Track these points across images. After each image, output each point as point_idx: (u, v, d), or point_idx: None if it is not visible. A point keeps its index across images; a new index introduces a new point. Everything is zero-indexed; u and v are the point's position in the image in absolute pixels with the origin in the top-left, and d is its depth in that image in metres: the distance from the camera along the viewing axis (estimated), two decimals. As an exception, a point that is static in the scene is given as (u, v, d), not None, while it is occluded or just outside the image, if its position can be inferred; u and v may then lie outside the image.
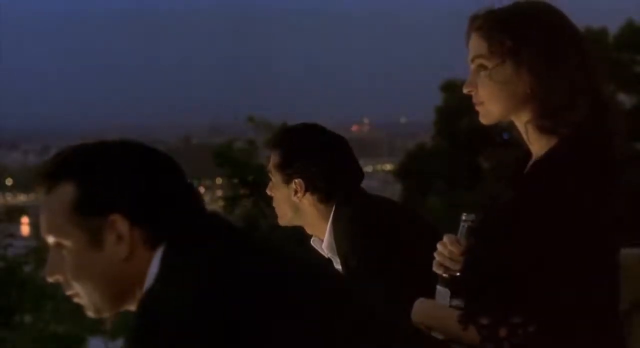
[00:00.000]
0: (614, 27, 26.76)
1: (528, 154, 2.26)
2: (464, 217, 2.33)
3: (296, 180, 2.96)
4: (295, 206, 2.99)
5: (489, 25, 2.21)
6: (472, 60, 2.24)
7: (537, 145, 2.22)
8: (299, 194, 2.96)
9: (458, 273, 2.27)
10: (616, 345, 2.20)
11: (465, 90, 2.26)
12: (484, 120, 2.26)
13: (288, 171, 2.97)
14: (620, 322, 2.22)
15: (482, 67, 2.22)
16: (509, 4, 2.25)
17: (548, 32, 2.18)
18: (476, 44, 2.23)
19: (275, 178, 3.02)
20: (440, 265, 2.32)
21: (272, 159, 3.03)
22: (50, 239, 1.79)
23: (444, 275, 2.31)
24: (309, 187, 2.95)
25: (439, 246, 2.34)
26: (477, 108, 2.26)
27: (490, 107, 2.23)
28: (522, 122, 2.23)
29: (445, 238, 2.34)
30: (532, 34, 2.18)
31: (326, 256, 2.96)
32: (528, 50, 2.17)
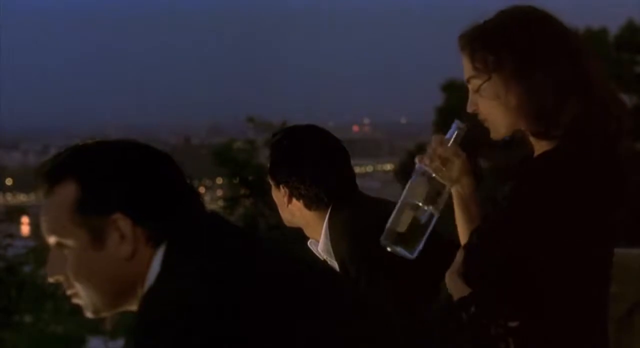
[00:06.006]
0: (614, 27, 26.75)
1: (532, 154, 2.27)
2: (457, 124, 2.34)
3: (282, 187, 3.00)
4: (289, 209, 3.02)
5: (471, 44, 2.24)
6: (467, 81, 2.26)
7: (544, 149, 2.23)
8: (285, 199, 3.00)
9: (434, 175, 2.29)
10: (600, 340, 2.20)
11: (469, 110, 2.28)
12: (493, 135, 2.27)
13: (275, 178, 3.02)
14: (606, 320, 2.23)
15: (475, 86, 2.24)
16: (493, 15, 2.25)
17: (528, 39, 2.18)
18: (465, 65, 2.26)
19: (271, 182, 3.06)
20: (421, 159, 2.32)
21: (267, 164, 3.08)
22: (52, 239, 1.78)
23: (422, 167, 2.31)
24: (293, 194, 2.98)
25: (427, 146, 2.34)
26: (486, 125, 2.28)
27: (492, 123, 2.25)
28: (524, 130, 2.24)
29: (434, 137, 2.35)
30: (511, 45, 2.18)
31: (322, 258, 2.96)
32: (509, 62, 2.18)
